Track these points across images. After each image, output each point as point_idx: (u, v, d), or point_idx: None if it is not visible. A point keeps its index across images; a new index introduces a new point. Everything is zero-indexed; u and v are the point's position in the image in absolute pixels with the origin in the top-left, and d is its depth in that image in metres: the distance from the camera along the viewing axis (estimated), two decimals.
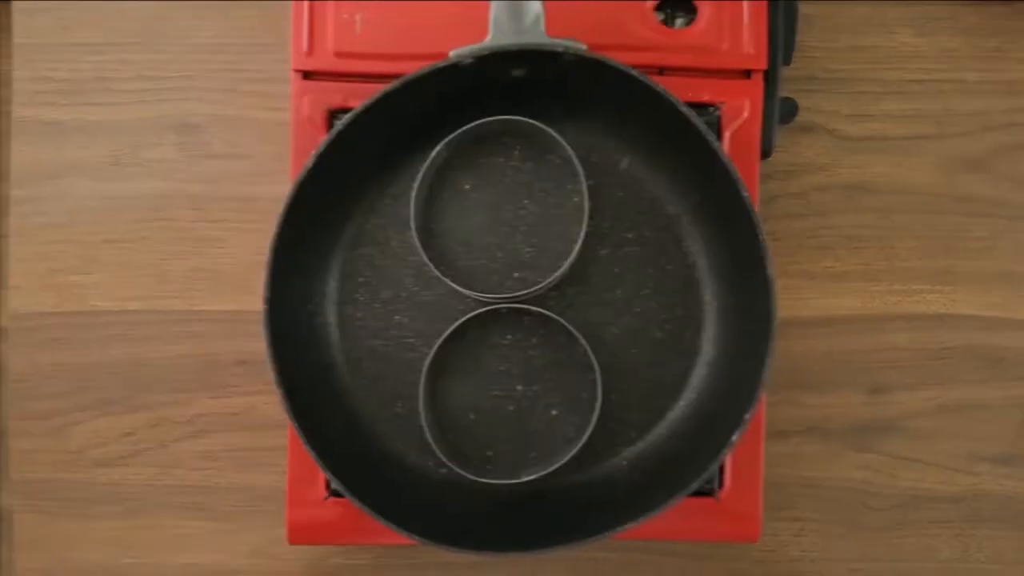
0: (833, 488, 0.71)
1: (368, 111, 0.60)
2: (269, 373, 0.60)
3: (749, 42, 0.65)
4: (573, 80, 0.62)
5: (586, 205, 0.65)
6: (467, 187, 0.67)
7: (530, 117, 0.64)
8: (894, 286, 0.73)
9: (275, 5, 0.72)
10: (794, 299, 0.72)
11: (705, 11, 0.65)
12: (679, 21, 0.67)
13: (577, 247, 0.65)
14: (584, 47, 0.59)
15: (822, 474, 0.71)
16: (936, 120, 0.72)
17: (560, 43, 0.59)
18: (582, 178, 0.65)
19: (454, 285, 0.65)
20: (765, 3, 0.65)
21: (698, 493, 0.64)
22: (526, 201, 0.67)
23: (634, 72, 0.59)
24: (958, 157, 0.72)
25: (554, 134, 0.64)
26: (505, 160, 0.67)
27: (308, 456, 0.59)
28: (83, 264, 0.71)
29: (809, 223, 0.72)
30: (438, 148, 0.65)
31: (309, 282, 0.66)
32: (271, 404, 0.70)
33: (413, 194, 0.65)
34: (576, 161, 0.65)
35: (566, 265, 0.65)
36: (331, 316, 0.67)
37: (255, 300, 0.61)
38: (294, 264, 0.63)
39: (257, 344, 0.65)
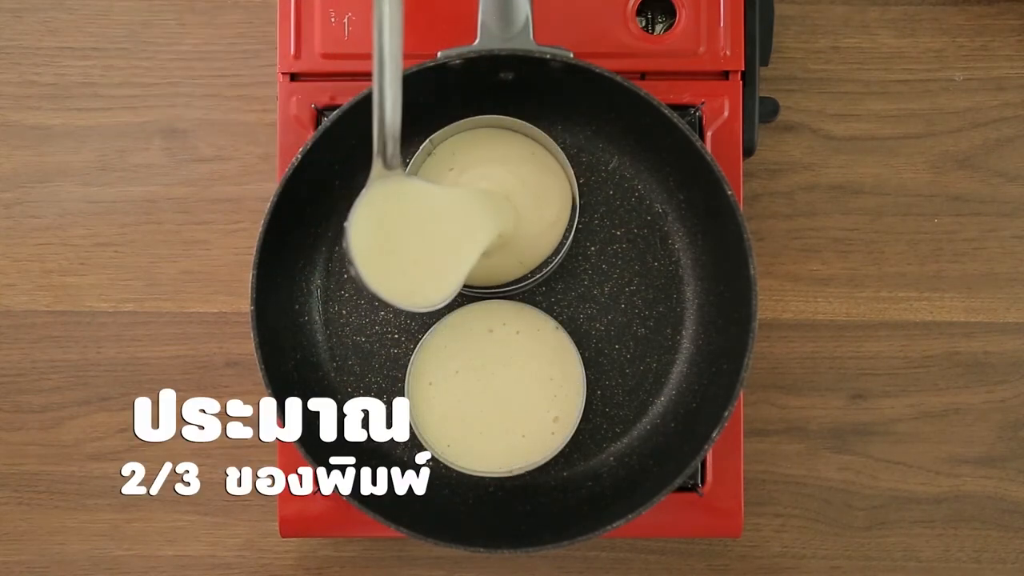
0: (813, 487, 0.71)
1: (355, 108, 0.61)
2: (258, 375, 0.60)
3: (726, 44, 0.65)
4: (561, 84, 0.63)
5: (577, 202, 0.65)
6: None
7: (520, 117, 0.65)
8: (880, 293, 0.72)
9: (259, 12, 0.72)
10: (776, 301, 0.72)
11: (683, 16, 0.65)
12: (659, 26, 0.67)
13: (568, 243, 0.65)
14: (570, 54, 0.60)
15: (802, 472, 0.72)
16: (925, 119, 0.72)
17: (548, 50, 0.60)
18: (572, 177, 0.65)
19: None
20: (741, 5, 0.65)
21: (681, 489, 0.64)
22: None
23: (618, 78, 0.59)
24: (948, 154, 0.72)
25: (543, 134, 0.65)
26: None
27: (297, 452, 0.60)
28: (76, 266, 0.72)
29: (795, 224, 0.72)
30: (425, 143, 0.65)
31: (295, 281, 0.67)
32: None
33: None
34: (567, 160, 0.65)
35: (557, 260, 0.65)
36: (316, 314, 0.67)
37: (243, 301, 0.61)
38: (280, 263, 0.64)
39: (245, 345, 0.66)
